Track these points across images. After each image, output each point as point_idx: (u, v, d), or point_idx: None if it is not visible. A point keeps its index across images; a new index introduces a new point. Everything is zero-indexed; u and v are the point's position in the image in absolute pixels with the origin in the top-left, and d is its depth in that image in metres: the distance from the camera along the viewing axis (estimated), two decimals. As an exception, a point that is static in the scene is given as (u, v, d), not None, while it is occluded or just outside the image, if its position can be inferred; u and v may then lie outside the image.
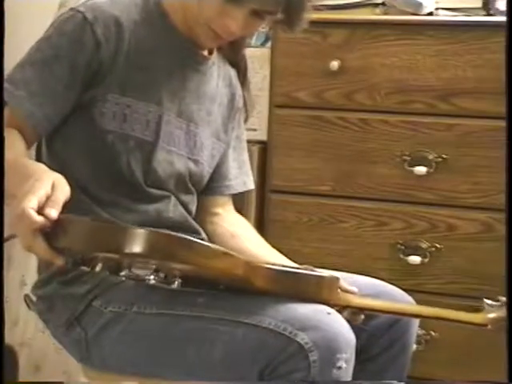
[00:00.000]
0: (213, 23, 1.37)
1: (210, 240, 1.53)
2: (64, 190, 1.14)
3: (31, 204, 1.09)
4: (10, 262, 2.23)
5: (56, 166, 1.30)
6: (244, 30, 1.39)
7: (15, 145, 1.30)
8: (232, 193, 1.62)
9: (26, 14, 2.12)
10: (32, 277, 1.59)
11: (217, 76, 1.54)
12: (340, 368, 1.23)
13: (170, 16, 1.45)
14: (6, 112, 1.31)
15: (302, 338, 1.22)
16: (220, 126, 1.55)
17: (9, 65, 1.37)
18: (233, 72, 1.59)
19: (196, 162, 1.49)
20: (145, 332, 1.34)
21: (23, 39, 1.43)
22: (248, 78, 1.62)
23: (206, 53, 1.50)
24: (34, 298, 1.46)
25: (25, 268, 2.20)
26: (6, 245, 1.22)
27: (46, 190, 1.11)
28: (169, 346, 1.31)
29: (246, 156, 1.65)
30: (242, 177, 1.63)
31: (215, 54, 1.53)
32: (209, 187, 1.57)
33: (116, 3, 1.41)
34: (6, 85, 1.33)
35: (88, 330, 1.38)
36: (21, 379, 2.21)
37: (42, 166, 1.23)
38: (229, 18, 1.35)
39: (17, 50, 1.40)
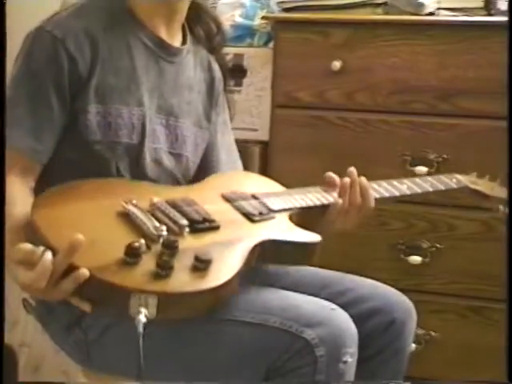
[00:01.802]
0: None
1: None
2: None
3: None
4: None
5: (46, 178, 1.33)
6: None
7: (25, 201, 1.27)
8: None
9: (29, 15, 2.11)
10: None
11: (193, 63, 1.53)
12: (346, 362, 1.24)
13: (137, 14, 1.44)
14: (8, 154, 1.29)
15: (309, 334, 1.23)
16: (201, 113, 1.54)
17: (10, 65, 1.37)
18: (211, 57, 1.58)
19: (179, 155, 1.48)
20: (148, 334, 1.32)
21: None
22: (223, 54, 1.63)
23: (178, 44, 1.50)
24: (32, 302, 1.45)
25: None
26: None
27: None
28: (173, 349, 1.30)
29: (232, 139, 1.63)
30: (231, 164, 1.61)
31: (189, 43, 1.52)
32: (199, 178, 1.53)
33: (81, 12, 1.40)
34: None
35: (88, 332, 1.37)
36: (20, 379, 2.20)
37: None
38: None
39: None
